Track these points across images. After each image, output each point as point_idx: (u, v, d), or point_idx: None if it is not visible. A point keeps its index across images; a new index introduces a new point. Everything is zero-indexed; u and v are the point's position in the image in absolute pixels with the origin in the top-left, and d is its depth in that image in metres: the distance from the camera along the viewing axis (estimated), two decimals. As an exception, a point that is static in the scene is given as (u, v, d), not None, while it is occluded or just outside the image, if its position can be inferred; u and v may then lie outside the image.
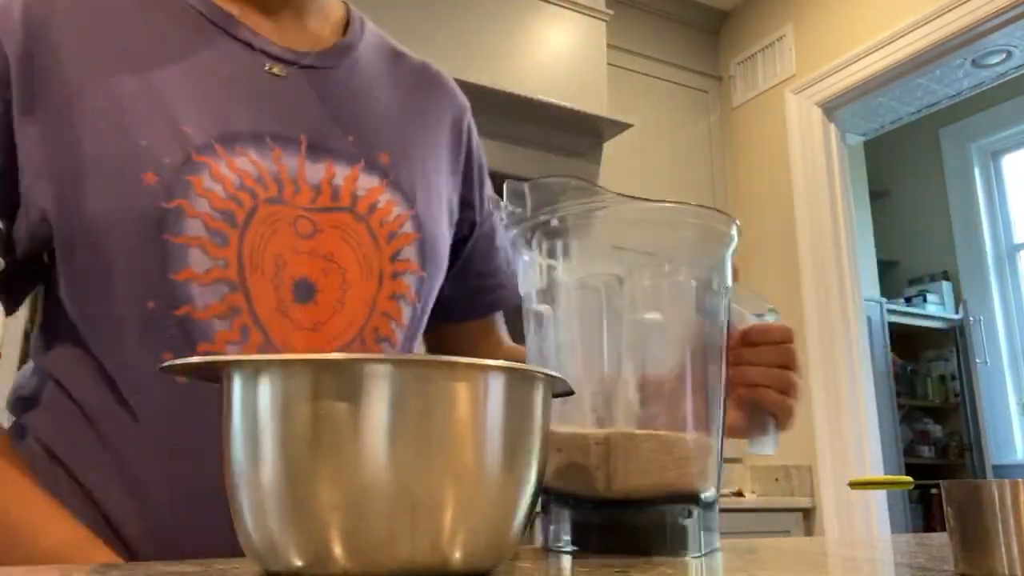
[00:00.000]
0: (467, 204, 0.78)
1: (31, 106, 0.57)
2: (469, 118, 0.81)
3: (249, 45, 0.64)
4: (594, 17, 2.82)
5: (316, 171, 0.63)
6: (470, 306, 0.82)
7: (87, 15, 0.60)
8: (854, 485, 0.59)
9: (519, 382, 0.40)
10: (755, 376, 0.64)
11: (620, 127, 2.73)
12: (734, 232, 0.56)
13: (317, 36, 0.70)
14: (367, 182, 0.66)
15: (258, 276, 0.59)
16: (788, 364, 0.65)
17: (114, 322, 0.57)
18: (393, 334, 0.64)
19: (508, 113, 2.59)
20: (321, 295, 0.61)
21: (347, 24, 0.74)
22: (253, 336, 0.58)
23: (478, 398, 0.38)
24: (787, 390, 0.65)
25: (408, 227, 0.67)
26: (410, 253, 0.67)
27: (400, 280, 0.66)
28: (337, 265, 0.62)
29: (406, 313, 0.66)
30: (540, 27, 2.70)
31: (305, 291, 0.61)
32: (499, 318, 0.85)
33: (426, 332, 0.77)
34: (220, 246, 0.57)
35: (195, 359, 0.39)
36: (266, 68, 0.64)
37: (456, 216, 0.77)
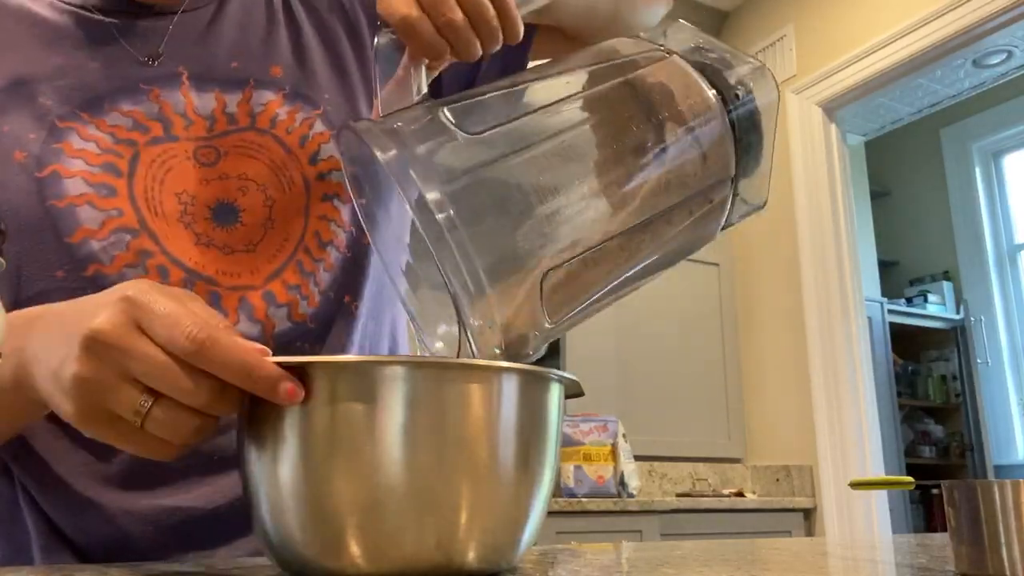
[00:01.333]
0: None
1: None
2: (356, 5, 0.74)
3: (106, 13, 0.62)
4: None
5: (205, 101, 0.62)
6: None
7: None
8: (855, 485, 0.59)
9: (533, 383, 0.41)
10: None
11: (621, 127, 2.72)
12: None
13: None
14: (261, 98, 0.64)
15: (159, 215, 0.57)
16: None
17: (36, 304, 0.52)
18: (336, 236, 0.63)
19: (509, 113, 2.58)
20: (245, 214, 0.60)
21: None
22: (173, 273, 0.57)
23: (492, 399, 0.38)
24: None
25: (319, 126, 0.65)
26: (331, 150, 0.64)
27: (328, 180, 0.64)
28: (254, 182, 0.61)
29: (344, 212, 0.64)
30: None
31: (226, 214, 0.60)
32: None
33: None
34: (107, 197, 0.56)
35: None
36: (138, 41, 0.62)
37: None
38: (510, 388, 0.39)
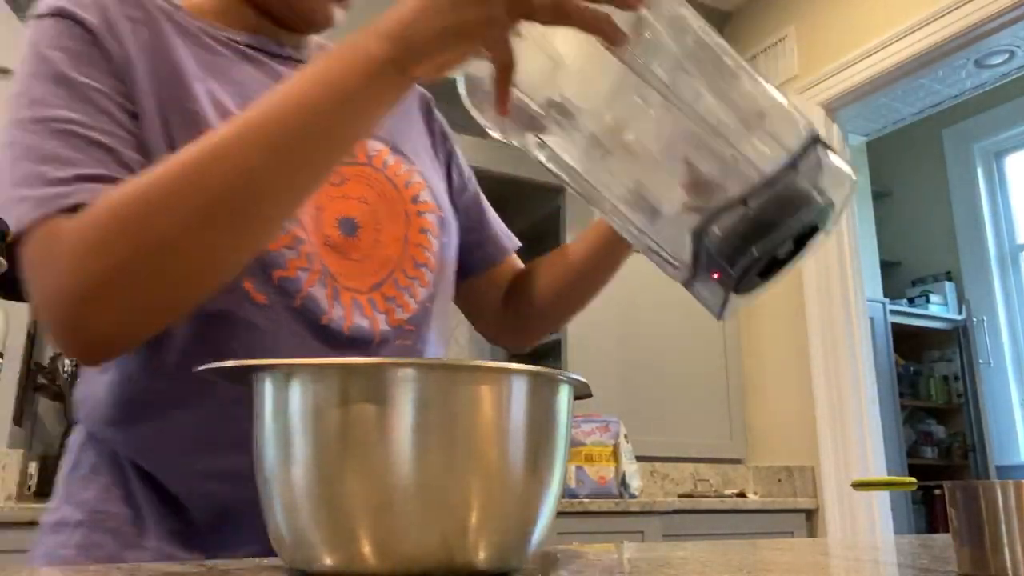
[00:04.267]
0: (447, 176, 0.91)
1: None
2: (433, 106, 0.94)
3: (268, 55, 0.77)
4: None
5: None
6: (472, 260, 0.91)
7: (150, 50, 0.68)
8: (857, 486, 0.59)
9: (543, 385, 0.41)
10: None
11: (622, 128, 2.72)
12: None
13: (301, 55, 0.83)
14: (374, 147, 0.77)
15: (305, 215, 0.69)
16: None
17: None
18: (428, 260, 0.76)
19: (510, 114, 2.59)
20: (362, 230, 0.72)
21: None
22: (315, 263, 0.67)
23: (502, 401, 0.39)
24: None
25: (417, 178, 0.79)
26: (426, 196, 0.78)
27: (424, 218, 0.77)
28: (369, 206, 0.73)
29: (435, 244, 0.77)
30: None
31: (349, 227, 0.71)
32: (513, 260, 0.95)
33: (457, 298, 0.89)
34: None
35: (228, 363, 0.40)
36: (280, 76, 0.75)
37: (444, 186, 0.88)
38: (519, 389, 0.40)
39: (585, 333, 2.68)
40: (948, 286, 4.64)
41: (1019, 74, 2.86)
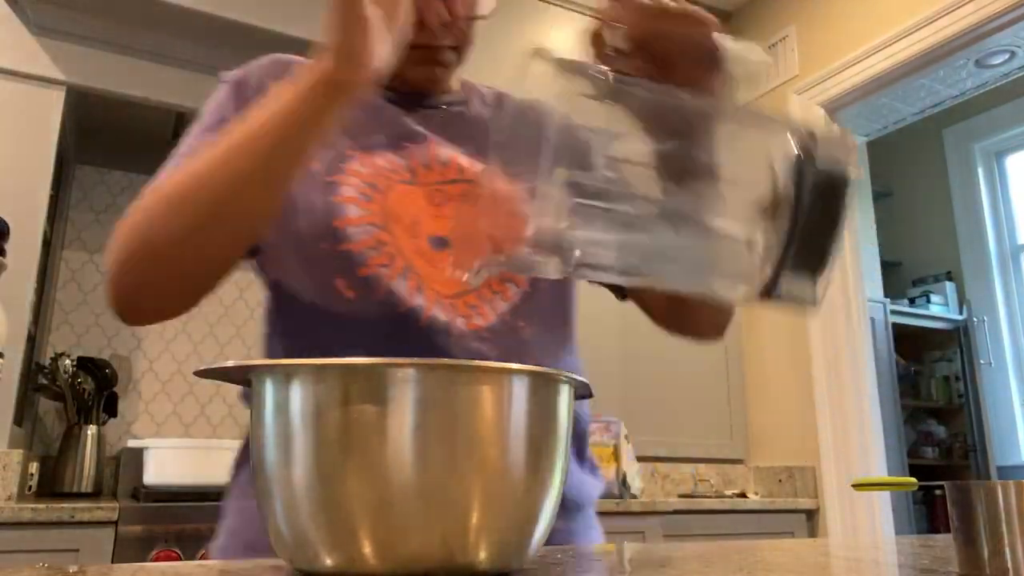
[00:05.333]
0: None
1: None
2: None
3: (395, 103, 0.86)
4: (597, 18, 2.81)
5: (444, 154, 0.83)
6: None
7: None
8: (858, 486, 0.59)
9: (543, 385, 0.41)
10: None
11: (623, 128, 2.72)
12: None
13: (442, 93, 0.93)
14: (478, 165, 0.84)
15: (398, 224, 0.76)
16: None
17: (300, 265, 0.76)
18: (515, 276, 0.80)
19: (511, 114, 2.58)
20: (452, 248, 0.78)
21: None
22: (398, 261, 0.74)
23: (503, 401, 0.39)
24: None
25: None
26: None
27: None
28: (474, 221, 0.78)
29: None
30: (542, 28, 2.70)
31: (439, 244, 0.77)
32: None
33: None
34: (367, 202, 0.76)
35: (228, 363, 0.40)
36: (409, 118, 0.85)
37: None
38: (520, 389, 0.40)
39: (586, 333, 2.68)
40: (949, 286, 4.63)
41: (1020, 74, 2.86)
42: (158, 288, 0.70)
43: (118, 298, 0.70)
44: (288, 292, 0.78)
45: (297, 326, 0.77)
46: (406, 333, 0.72)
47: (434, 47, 0.84)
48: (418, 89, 0.87)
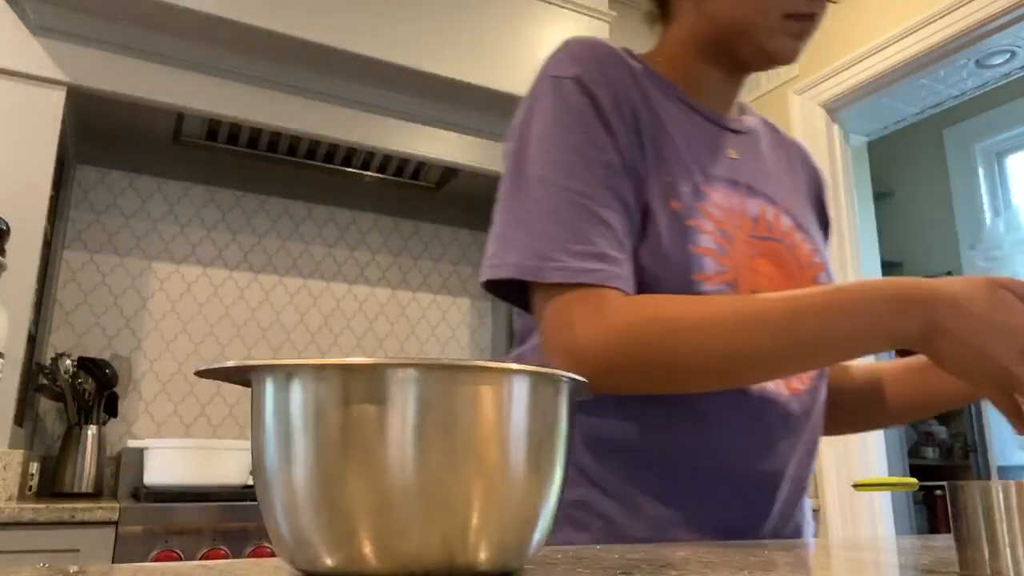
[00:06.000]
0: None
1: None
2: (823, 186, 1.01)
3: (715, 122, 0.87)
4: (597, 18, 2.82)
5: (753, 206, 0.83)
6: None
7: (645, 130, 0.80)
8: (859, 486, 0.59)
9: (544, 384, 0.41)
10: None
11: (623, 128, 2.72)
12: None
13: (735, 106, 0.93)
14: (786, 222, 0.84)
15: (744, 284, 0.76)
16: None
17: None
18: None
19: (511, 114, 2.59)
20: None
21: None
22: None
23: (503, 401, 0.39)
24: None
25: (816, 259, 0.85)
26: (822, 279, 0.85)
27: None
28: (775, 285, 0.79)
29: None
30: (543, 28, 2.70)
31: None
32: None
33: None
34: (722, 256, 0.76)
35: (229, 363, 0.40)
36: (727, 143, 0.86)
37: None
38: (520, 390, 0.40)
39: (586, 333, 2.67)
40: (949, 286, 4.63)
41: (1020, 74, 2.86)
42: (644, 389, 0.71)
43: (600, 386, 0.68)
44: None
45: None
46: (744, 394, 0.75)
47: (807, 16, 0.81)
48: (761, 64, 0.85)
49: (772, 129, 0.98)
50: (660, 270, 0.74)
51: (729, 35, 0.83)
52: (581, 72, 0.77)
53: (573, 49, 0.79)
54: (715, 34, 0.84)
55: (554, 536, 0.72)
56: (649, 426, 0.75)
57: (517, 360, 0.82)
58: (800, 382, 0.80)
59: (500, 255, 0.73)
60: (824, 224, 0.98)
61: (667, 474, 0.75)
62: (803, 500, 0.85)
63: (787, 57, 0.82)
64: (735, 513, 0.77)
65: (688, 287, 0.74)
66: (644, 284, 0.74)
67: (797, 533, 0.84)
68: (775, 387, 0.77)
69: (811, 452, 0.84)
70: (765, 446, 0.78)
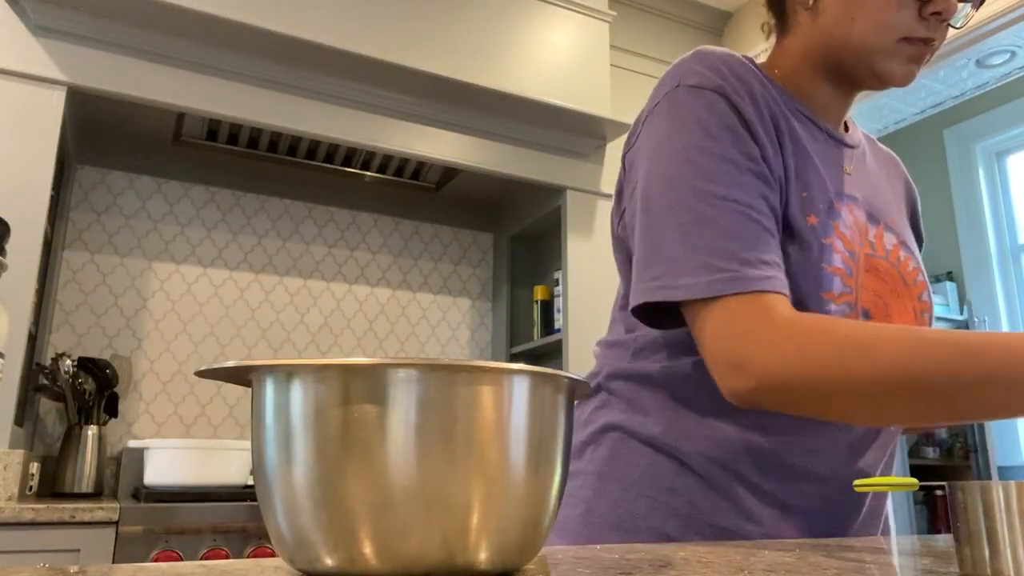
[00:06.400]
0: None
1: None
2: (917, 199, 1.01)
3: (833, 137, 0.87)
4: (597, 18, 2.82)
5: (862, 219, 0.83)
6: None
7: (784, 142, 0.80)
8: (859, 486, 0.59)
9: (543, 384, 0.41)
10: None
11: (623, 128, 2.72)
12: None
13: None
14: (890, 239, 0.85)
15: (862, 305, 0.77)
16: None
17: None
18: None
19: (511, 114, 2.59)
20: (874, 319, 0.78)
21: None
22: None
23: (503, 401, 0.39)
24: None
25: (920, 277, 0.86)
26: (926, 296, 0.85)
27: (924, 316, 0.84)
28: (881, 300, 0.80)
29: None
30: (543, 28, 2.70)
31: (864, 316, 0.78)
32: None
33: None
34: (849, 277, 0.77)
35: (229, 363, 0.40)
36: (843, 158, 0.86)
37: None
38: (520, 390, 0.40)
39: (586, 333, 2.68)
40: (950, 286, 4.63)
41: (1020, 74, 2.86)
42: (807, 409, 0.69)
43: (763, 401, 0.68)
44: None
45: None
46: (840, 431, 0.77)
47: (926, 40, 0.79)
48: (874, 85, 0.83)
49: (871, 142, 0.98)
50: (792, 285, 0.74)
51: (843, 53, 0.81)
52: (722, 83, 0.76)
53: (708, 60, 0.78)
54: (830, 51, 0.83)
55: (646, 521, 0.77)
56: (762, 426, 0.77)
57: (653, 380, 0.82)
58: None
59: (669, 276, 0.70)
60: (919, 239, 0.99)
61: (768, 472, 0.77)
62: (885, 499, 0.88)
63: (900, 81, 0.81)
64: (822, 515, 0.79)
65: (816, 305, 0.74)
66: None
67: (886, 530, 0.88)
68: None
69: (893, 453, 0.87)
70: (855, 452, 0.80)
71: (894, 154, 1.02)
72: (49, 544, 1.64)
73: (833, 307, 0.75)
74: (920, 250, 0.96)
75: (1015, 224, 4.62)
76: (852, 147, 0.88)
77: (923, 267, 0.88)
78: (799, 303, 0.74)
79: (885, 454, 0.85)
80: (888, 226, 0.86)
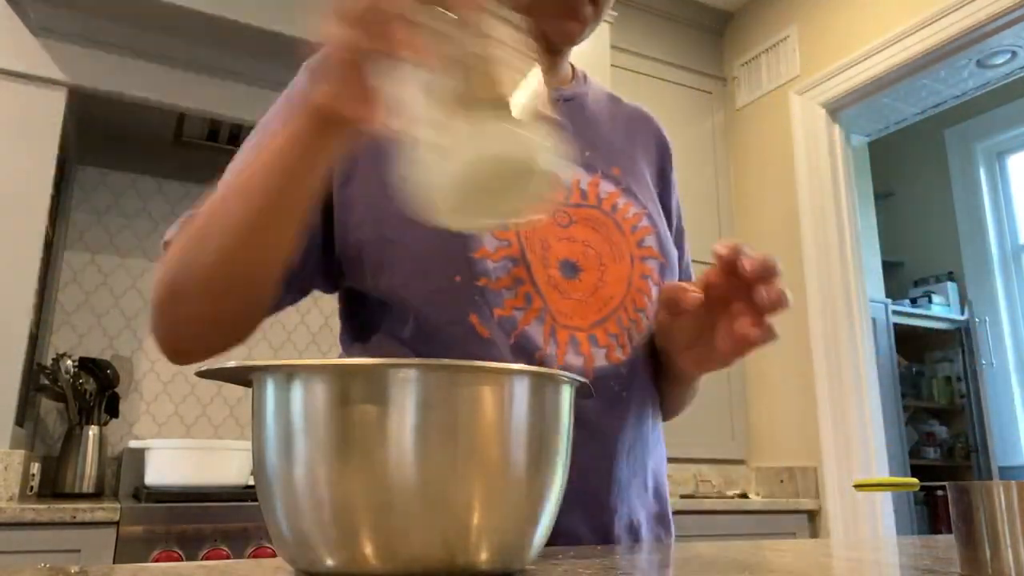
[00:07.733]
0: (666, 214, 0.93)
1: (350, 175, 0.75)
2: (669, 149, 0.96)
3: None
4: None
5: (566, 176, 0.79)
6: None
7: None
8: (859, 487, 0.59)
9: (544, 385, 0.41)
10: (745, 327, 0.65)
11: (624, 128, 2.72)
12: None
13: (559, 80, 0.88)
14: (606, 187, 0.81)
15: (532, 253, 0.73)
16: (777, 306, 0.63)
17: (430, 295, 0.71)
18: (647, 307, 0.78)
19: (512, 114, 2.58)
20: (584, 273, 0.75)
21: (573, 76, 0.93)
22: (535, 302, 0.72)
23: (503, 401, 0.39)
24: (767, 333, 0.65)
25: (644, 223, 0.82)
26: (651, 242, 0.81)
27: (646, 264, 0.80)
28: (593, 250, 0.77)
29: (653, 291, 0.80)
30: (544, 28, 2.69)
31: (570, 269, 0.75)
32: None
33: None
34: (504, 232, 0.73)
35: (230, 364, 0.40)
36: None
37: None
38: (521, 390, 0.40)
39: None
40: (950, 286, 4.63)
41: (1021, 74, 2.86)
42: (191, 328, 0.69)
43: (159, 339, 0.70)
44: (401, 315, 0.73)
45: (418, 353, 0.71)
46: None
47: None
48: (549, 48, 0.80)
49: (614, 100, 0.94)
50: (429, 248, 0.71)
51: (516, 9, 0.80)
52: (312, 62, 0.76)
53: None
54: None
55: None
56: None
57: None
58: (622, 349, 0.76)
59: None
60: (669, 192, 0.94)
61: None
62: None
63: (563, 39, 0.81)
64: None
65: (468, 266, 0.70)
66: (414, 267, 0.71)
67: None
68: (580, 362, 0.73)
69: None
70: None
71: (648, 112, 0.98)
72: (50, 544, 1.64)
73: (490, 265, 0.71)
74: (671, 203, 0.92)
75: (1016, 224, 4.62)
76: (564, 100, 0.85)
77: (655, 214, 0.84)
78: (444, 267, 0.70)
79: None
80: (607, 174, 0.83)
